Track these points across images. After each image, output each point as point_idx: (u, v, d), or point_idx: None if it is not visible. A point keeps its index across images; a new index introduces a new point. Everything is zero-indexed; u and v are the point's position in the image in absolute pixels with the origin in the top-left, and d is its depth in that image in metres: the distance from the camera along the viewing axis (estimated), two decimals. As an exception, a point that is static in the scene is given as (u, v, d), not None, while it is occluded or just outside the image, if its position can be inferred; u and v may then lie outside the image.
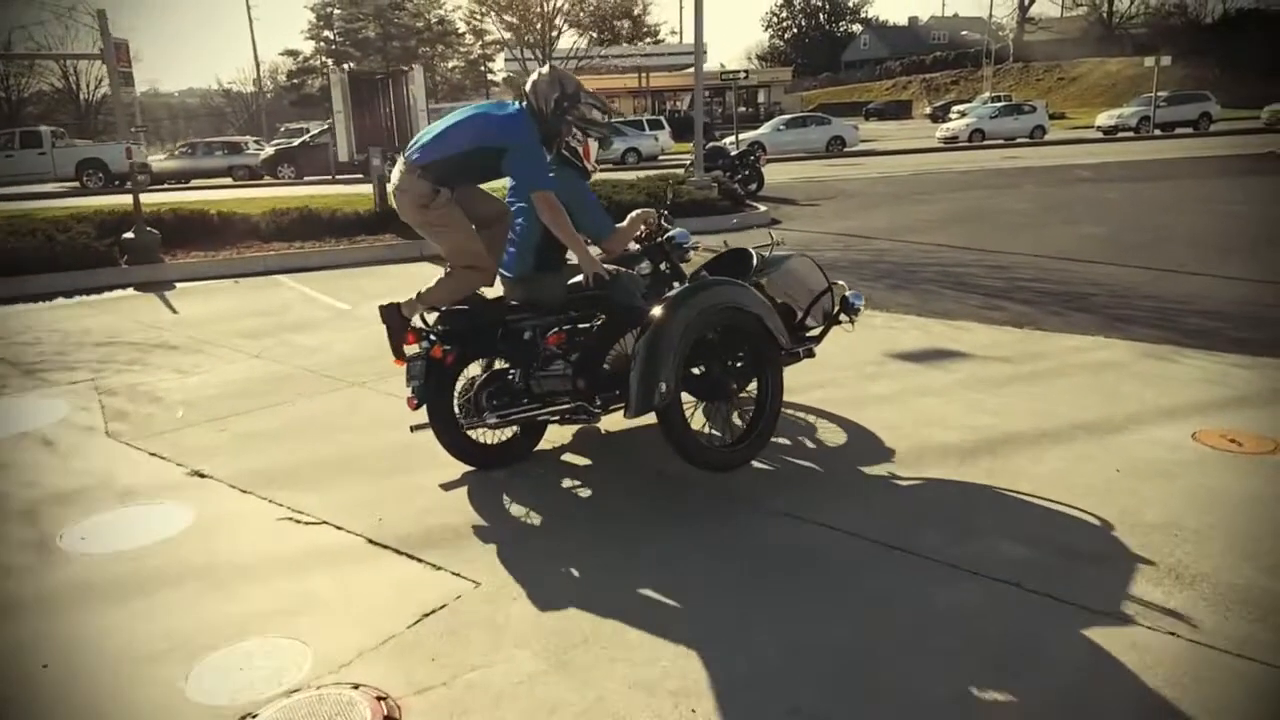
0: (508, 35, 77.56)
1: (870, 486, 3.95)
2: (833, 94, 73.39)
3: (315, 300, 8.77)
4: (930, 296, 7.72)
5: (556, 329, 4.05)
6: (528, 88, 4.01)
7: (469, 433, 4.14)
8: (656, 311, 3.67)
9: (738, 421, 4.21)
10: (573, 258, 4.07)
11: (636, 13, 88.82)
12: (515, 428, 4.21)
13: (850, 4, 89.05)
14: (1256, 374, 5.27)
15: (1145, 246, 9.65)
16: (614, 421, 4.64)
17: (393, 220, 10.98)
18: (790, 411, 4.83)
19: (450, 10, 71.67)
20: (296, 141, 30.42)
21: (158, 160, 30.29)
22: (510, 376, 4.10)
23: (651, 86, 57.39)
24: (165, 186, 26.44)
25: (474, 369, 4.23)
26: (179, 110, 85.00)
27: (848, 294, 4.51)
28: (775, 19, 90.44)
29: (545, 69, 4.08)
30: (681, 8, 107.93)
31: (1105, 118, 34.24)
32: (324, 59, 67.51)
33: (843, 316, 4.53)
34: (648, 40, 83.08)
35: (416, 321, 4.06)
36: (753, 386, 4.18)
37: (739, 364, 4.06)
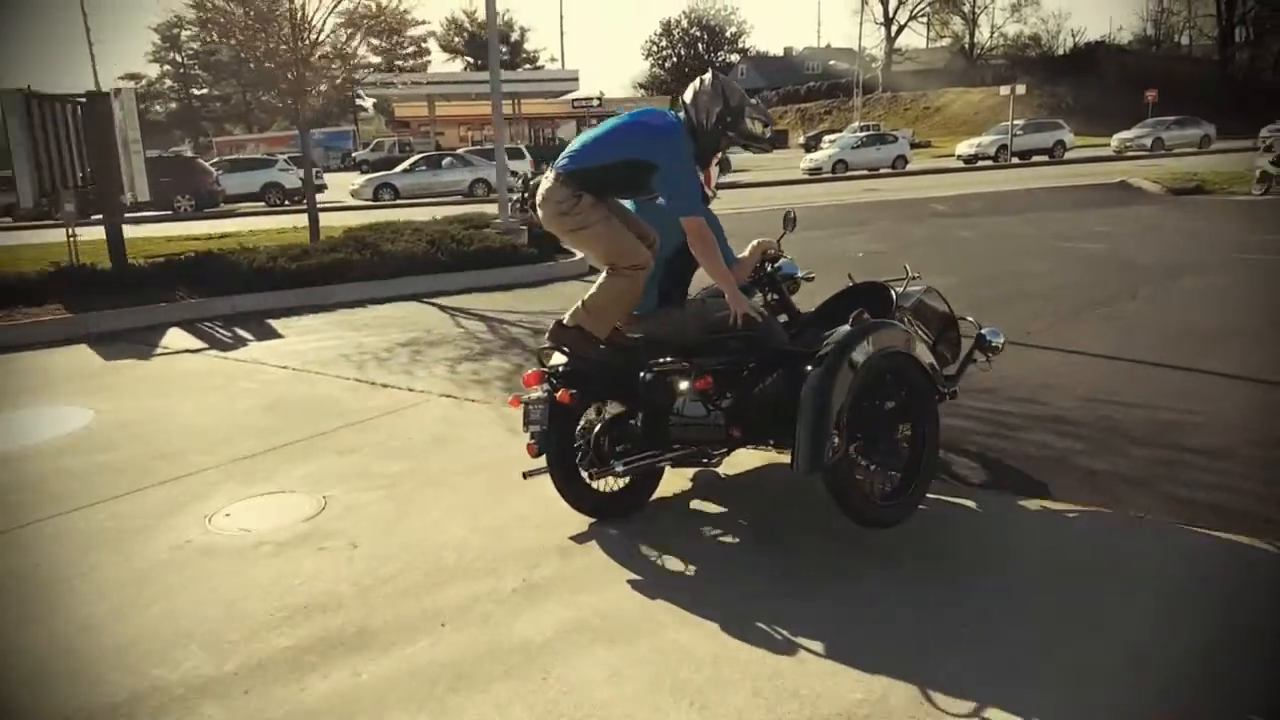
0: (376, 59, 75.32)
1: None
2: (711, 122, 73.30)
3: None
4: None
5: (703, 373, 3.70)
6: (688, 99, 3.79)
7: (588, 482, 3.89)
8: (824, 359, 3.46)
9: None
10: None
11: (514, 38, 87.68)
12: (631, 477, 3.92)
13: (728, 34, 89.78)
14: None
15: (1002, 303, 8.05)
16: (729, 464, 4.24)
17: (66, 287, 8.87)
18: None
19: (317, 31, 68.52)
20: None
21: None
22: (632, 422, 3.84)
23: (524, 114, 55.59)
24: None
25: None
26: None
27: (984, 331, 4.24)
28: (655, 48, 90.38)
29: (709, 78, 3.82)
30: (562, 34, 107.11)
31: (965, 146, 34.30)
32: (172, 84, 63.33)
33: (978, 355, 4.26)
34: (526, 67, 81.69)
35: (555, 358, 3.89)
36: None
37: (894, 408, 3.80)
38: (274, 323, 8.93)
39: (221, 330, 8.72)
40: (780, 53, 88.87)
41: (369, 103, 73.27)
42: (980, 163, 33.08)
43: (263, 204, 27.52)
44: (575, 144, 3.86)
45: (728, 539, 3.85)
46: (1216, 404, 5.17)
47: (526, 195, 16.05)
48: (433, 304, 9.71)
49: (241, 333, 8.55)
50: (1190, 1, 65.53)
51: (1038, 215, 16.02)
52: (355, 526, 4.06)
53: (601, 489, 3.97)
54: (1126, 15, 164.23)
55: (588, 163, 3.74)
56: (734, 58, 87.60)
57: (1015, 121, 33.53)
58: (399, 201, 25.91)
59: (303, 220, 13.34)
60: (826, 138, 45.21)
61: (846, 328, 3.59)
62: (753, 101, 3.85)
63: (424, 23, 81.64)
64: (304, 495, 4.44)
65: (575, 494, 3.89)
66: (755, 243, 4.16)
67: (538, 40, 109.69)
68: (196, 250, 11.78)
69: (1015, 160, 32.48)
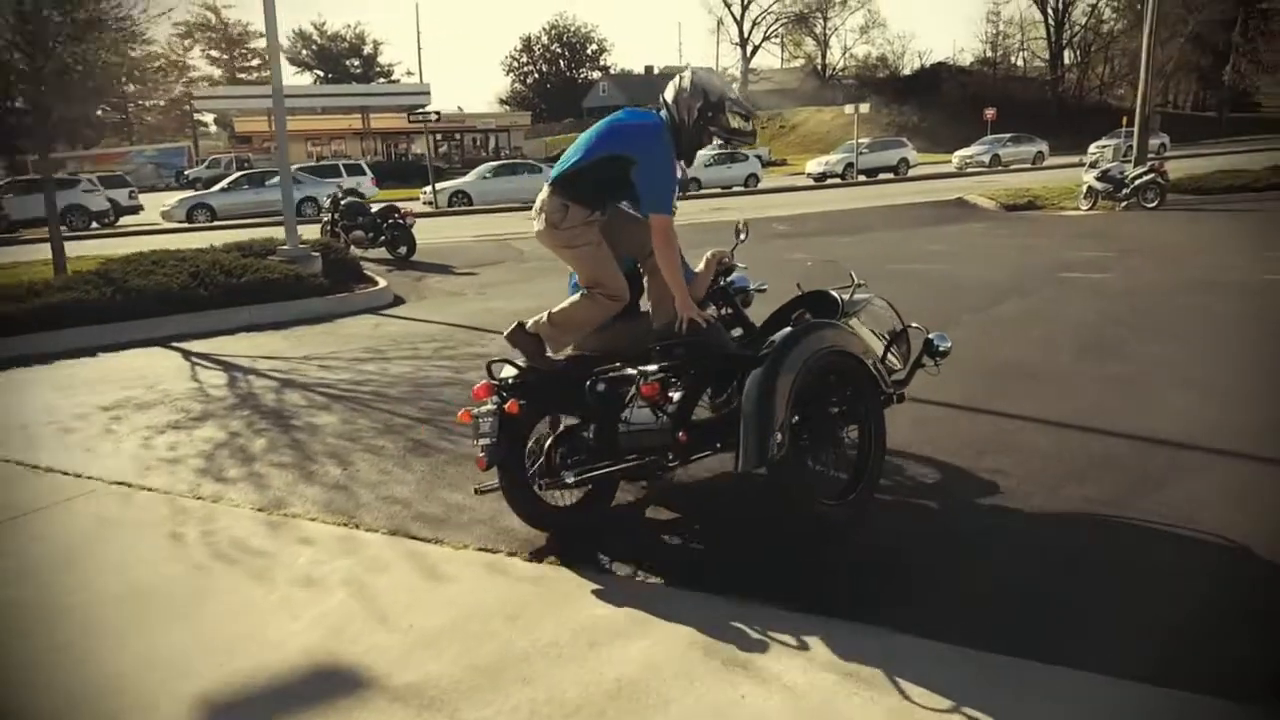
0: (216, 71, 71.14)
1: None
2: (575, 140, 72.63)
3: None
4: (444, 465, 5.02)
5: (649, 379, 3.56)
6: (669, 97, 3.78)
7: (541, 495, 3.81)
8: (765, 359, 3.51)
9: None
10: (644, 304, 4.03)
11: (367, 52, 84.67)
12: (585, 489, 3.85)
13: (589, 52, 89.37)
14: None
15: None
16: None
17: None
18: None
19: (151, 44, 64.17)
20: None
21: None
22: (584, 433, 3.79)
23: (373, 128, 53.27)
24: None
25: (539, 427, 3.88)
26: None
27: (931, 336, 4.21)
28: (515, 63, 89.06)
29: (688, 74, 3.82)
30: (420, 48, 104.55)
31: (815, 165, 34.61)
32: (-20, 95, 57.92)
33: (926, 360, 4.22)
34: (381, 80, 78.89)
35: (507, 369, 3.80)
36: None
37: (839, 409, 3.83)
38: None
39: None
40: (642, 71, 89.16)
41: (209, 117, 69.13)
42: (829, 180, 33.39)
43: (64, 228, 24.71)
44: (566, 153, 3.87)
45: (686, 547, 3.87)
46: (1027, 462, 4.45)
47: (336, 217, 14.67)
48: (181, 349, 8.28)
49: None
50: (1023, 25, 69.23)
51: (874, 235, 15.76)
52: None
53: (554, 502, 3.88)
54: (968, 37, 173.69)
55: (571, 167, 3.78)
56: (595, 75, 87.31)
57: (861, 140, 34.01)
58: (215, 223, 23.75)
59: (97, 248, 11.55)
60: (683, 155, 45.00)
61: (789, 329, 3.72)
62: (733, 96, 3.83)
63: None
64: None
65: (527, 507, 3.79)
66: (710, 254, 4.12)
67: (393, 54, 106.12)
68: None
69: (862, 178, 32.91)
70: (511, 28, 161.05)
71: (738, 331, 4.13)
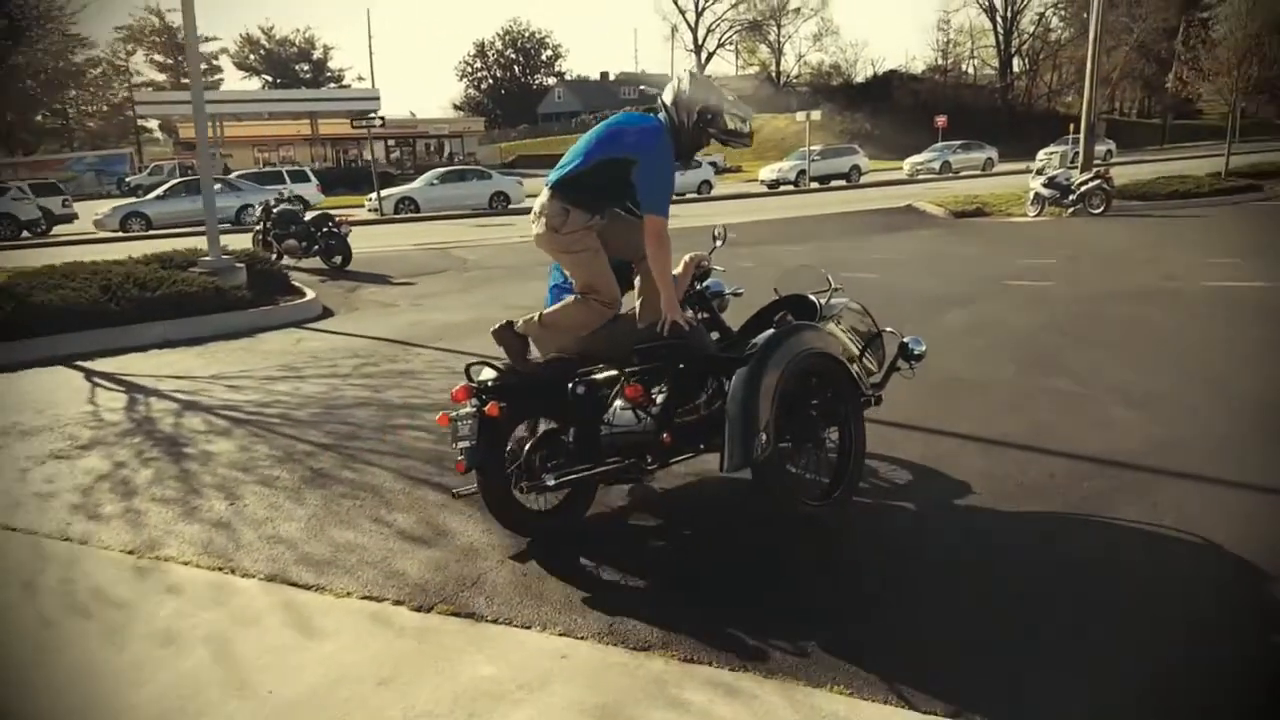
0: (161, 76, 69.36)
1: None
2: (531, 146, 72.24)
3: None
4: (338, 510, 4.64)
5: (633, 381, 3.55)
6: (668, 99, 3.78)
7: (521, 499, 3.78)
8: (750, 360, 3.53)
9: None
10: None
11: (317, 56, 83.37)
12: (564, 493, 3.81)
13: (544, 57, 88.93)
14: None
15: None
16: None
17: None
18: None
19: (93, 49, 62.43)
20: None
21: None
22: (563, 437, 3.75)
23: (323, 134, 52.29)
24: None
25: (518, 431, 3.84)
26: None
27: (906, 340, 4.26)
28: (469, 69, 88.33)
29: (687, 77, 3.84)
30: (371, 53, 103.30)
31: (768, 172, 34.55)
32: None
33: (901, 363, 4.26)
34: (331, 86, 77.62)
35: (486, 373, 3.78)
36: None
37: (821, 411, 3.85)
38: None
39: None
40: (597, 77, 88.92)
41: (154, 123, 67.49)
42: (783, 187, 33.35)
43: (-8, 237, 23.81)
44: (565, 156, 3.85)
45: (668, 550, 3.85)
46: (960, 488, 4.20)
47: (268, 226, 14.16)
48: (85, 369, 7.77)
49: None
50: (973, 33, 70.18)
51: (824, 243, 15.58)
52: None
53: (534, 506, 3.84)
54: (920, 45, 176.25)
55: (571, 171, 3.76)
56: (550, 80, 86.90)
57: (813, 147, 34.04)
58: (151, 232, 22.93)
59: (20, 258, 10.92)
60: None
61: (772, 330, 3.74)
62: (731, 98, 3.85)
63: (214, 39, 76.47)
64: None
65: (506, 511, 3.74)
66: (688, 258, 4.12)
67: (345, 59, 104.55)
68: None
69: (815, 185, 32.91)
70: (466, 33, 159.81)
71: (714, 335, 4.13)
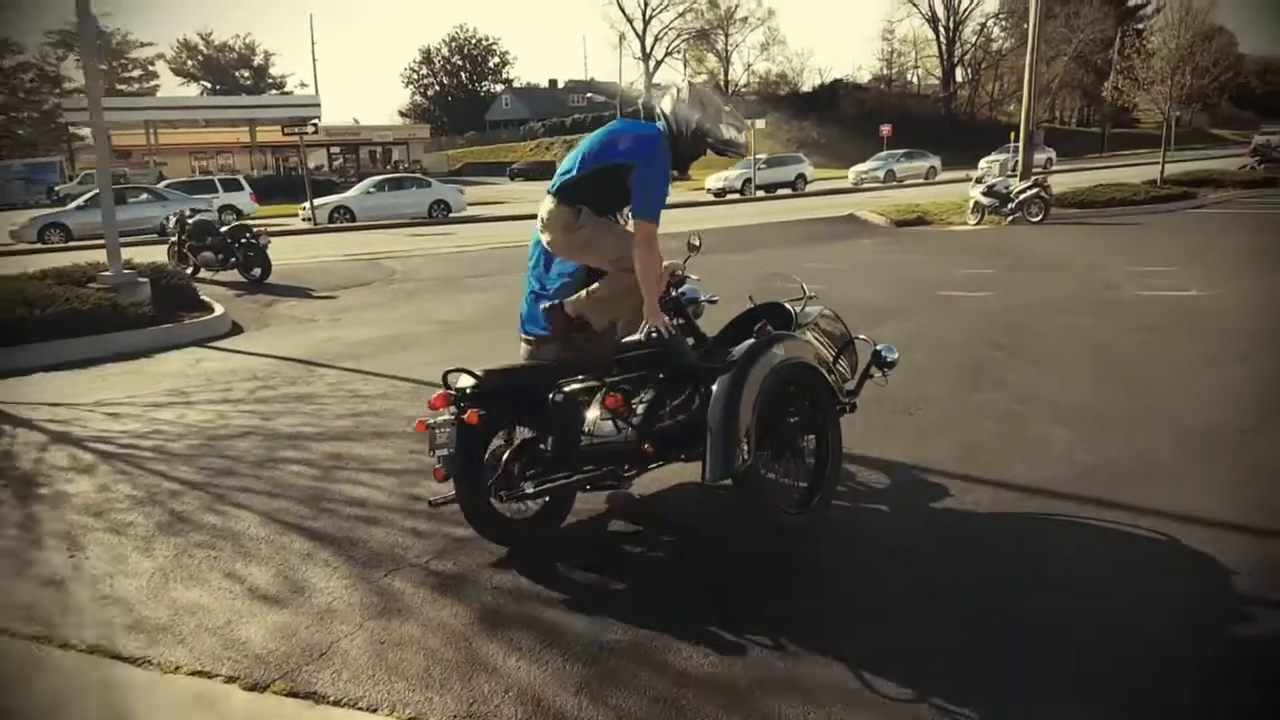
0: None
1: None
2: (478, 153, 71.59)
3: None
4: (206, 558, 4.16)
5: (613, 391, 3.61)
6: (666, 109, 3.84)
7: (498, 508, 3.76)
8: (731, 369, 3.52)
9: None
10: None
11: (258, 63, 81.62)
12: (542, 503, 3.83)
13: (491, 64, 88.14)
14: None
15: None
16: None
17: None
18: None
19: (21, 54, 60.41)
20: None
21: None
22: (541, 445, 3.71)
23: (261, 141, 50.97)
24: None
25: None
26: None
27: (879, 347, 4.26)
28: (416, 75, 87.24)
29: (685, 87, 3.89)
30: (315, 60, 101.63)
31: (714, 180, 34.35)
32: None
33: (875, 370, 4.26)
34: (273, 92, 75.94)
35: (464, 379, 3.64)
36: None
37: (799, 419, 3.87)
38: None
39: None
40: (546, 84, 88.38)
41: (86, 130, 65.38)
42: (729, 196, 33.18)
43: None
44: (564, 163, 3.89)
45: (647, 557, 3.83)
46: (883, 522, 3.86)
47: (183, 238, 13.49)
48: (-49, 396, 7.13)
49: None
50: (917, 43, 71.08)
51: (767, 252, 15.33)
52: None
53: (512, 515, 3.81)
54: (866, 55, 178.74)
55: (571, 179, 3.81)
56: (498, 88, 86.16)
57: (759, 156, 33.93)
58: (70, 244, 21.89)
59: None
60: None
61: (752, 340, 3.72)
62: (727, 109, 3.93)
63: (149, 44, 74.40)
64: None
65: (484, 519, 3.70)
66: (664, 265, 4.03)
67: (287, 66, 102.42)
68: None
69: (760, 194, 32.79)
70: (412, 40, 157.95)
71: (690, 342, 4.09)
